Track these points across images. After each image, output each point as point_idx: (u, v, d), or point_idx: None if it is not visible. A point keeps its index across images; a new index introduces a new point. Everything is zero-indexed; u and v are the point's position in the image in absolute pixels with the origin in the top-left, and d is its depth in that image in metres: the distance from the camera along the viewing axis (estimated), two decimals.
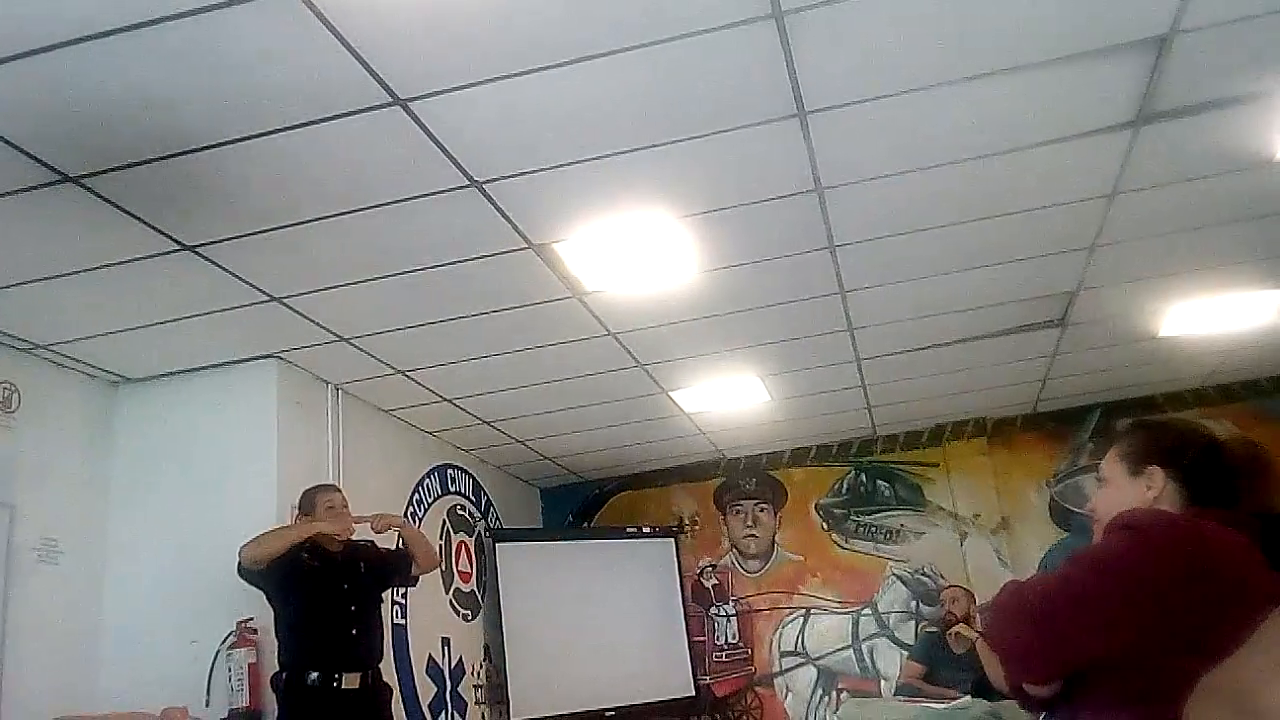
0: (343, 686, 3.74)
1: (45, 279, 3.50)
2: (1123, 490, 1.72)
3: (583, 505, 7.64)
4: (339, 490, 4.11)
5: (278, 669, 3.81)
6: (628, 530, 7.10)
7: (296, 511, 4.06)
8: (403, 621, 5.31)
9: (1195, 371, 6.25)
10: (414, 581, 4.47)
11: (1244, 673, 1.43)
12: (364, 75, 2.58)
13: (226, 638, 4.05)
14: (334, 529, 3.87)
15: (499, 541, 6.48)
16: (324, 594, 3.86)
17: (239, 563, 3.74)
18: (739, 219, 3.63)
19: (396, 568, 4.24)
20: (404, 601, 5.34)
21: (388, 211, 3.30)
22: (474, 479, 6.49)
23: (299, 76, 2.56)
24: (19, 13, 2.24)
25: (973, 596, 5.83)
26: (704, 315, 4.53)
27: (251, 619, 4.05)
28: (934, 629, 6.32)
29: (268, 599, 3.89)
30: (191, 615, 4.13)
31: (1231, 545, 1.54)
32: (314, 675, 3.73)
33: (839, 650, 6.91)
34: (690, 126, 3.00)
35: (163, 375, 4.50)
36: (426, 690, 5.45)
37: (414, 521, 5.64)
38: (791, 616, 7.06)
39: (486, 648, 6.24)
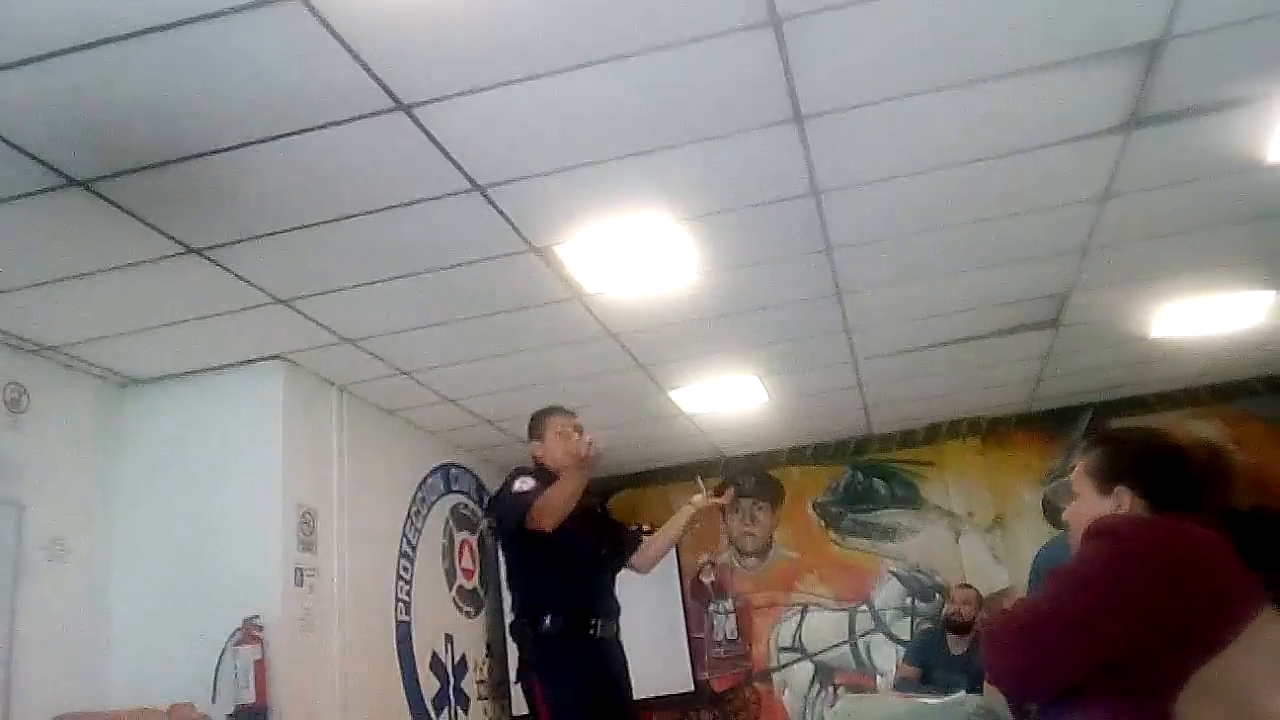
0: (599, 635, 3.52)
1: (53, 282, 3.54)
2: (1093, 507, 1.78)
3: None
4: (572, 413, 3.72)
5: (515, 616, 3.55)
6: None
7: (531, 441, 3.68)
8: (407, 618, 5.36)
9: (1186, 372, 6.29)
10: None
11: (1239, 674, 1.46)
12: (368, 81, 2.62)
13: (233, 634, 4.08)
14: (589, 468, 3.37)
15: None
16: (581, 541, 3.55)
17: (523, 524, 3.34)
18: (737, 222, 3.68)
19: (629, 544, 3.85)
20: (408, 599, 5.40)
21: (391, 215, 3.34)
22: (476, 478, 6.53)
23: (304, 82, 2.60)
24: (25, 18, 2.27)
25: (982, 603, 5.73)
26: (703, 317, 4.57)
27: (257, 616, 4.10)
28: (930, 625, 6.36)
29: (506, 544, 3.68)
30: (198, 612, 4.17)
31: (1206, 541, 1.59)
32: (573, 620, 3.46)
33: (836, 646, 6.96)
34: (689, 131, 3.04)
35: (169, 376, 4.54)
36: (430, 686, 5.49)
37: (418, 519, 5.70)
38: (789, 613, 7.11)
39: (489, 645, 6.29)
